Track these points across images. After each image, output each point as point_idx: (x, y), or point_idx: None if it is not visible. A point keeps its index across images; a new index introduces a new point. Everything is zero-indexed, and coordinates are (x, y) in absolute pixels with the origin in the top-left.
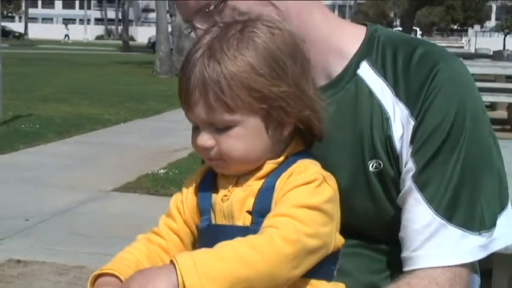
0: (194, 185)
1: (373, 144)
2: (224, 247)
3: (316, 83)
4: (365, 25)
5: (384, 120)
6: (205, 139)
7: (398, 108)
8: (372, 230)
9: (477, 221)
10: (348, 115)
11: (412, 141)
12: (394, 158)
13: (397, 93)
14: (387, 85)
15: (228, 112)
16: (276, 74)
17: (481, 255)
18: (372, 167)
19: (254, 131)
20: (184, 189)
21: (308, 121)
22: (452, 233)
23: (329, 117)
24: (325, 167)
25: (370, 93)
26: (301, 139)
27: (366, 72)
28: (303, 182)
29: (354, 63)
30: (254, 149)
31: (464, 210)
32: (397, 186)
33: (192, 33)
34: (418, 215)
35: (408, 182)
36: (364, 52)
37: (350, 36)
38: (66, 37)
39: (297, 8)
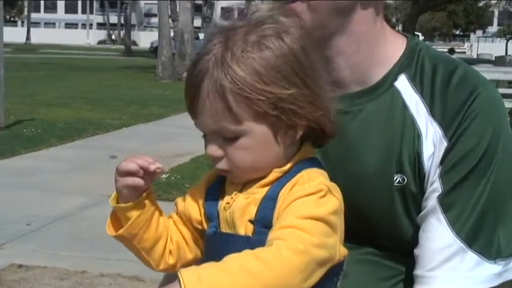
0: (200, 192)
1: (401, 158)
2: (230, 260)
3: (350, 88)
4: (404, 36)
5: (416, 136)
6: (214, 149)
7: (432, 127)
8: (385, 240)
9: (494, 249)
10: (379, 124)
11: (442, 162)
12: (420, 175)
13: (432, 112)
14: (423, 102)
15: (234, 122)
16: (283, 78)
17: (495, 283)
18: (396, 181)
19: (261, 140)
20: (187, 197)
21: (319, 122)
22: (470, 258)
23: (358, 122)
24: (348, 172)
25: (404, 107)
26: (310, 145)
27: (403, 85)
28: (306, 192)
29: (393, 75)
30: (261, 159)
31: (485, 237)
32: (417, 203)
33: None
34: (438, 236)
35: (432, 202)
36: (404, 65)
37: (391, 46)
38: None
39: (364, 14)
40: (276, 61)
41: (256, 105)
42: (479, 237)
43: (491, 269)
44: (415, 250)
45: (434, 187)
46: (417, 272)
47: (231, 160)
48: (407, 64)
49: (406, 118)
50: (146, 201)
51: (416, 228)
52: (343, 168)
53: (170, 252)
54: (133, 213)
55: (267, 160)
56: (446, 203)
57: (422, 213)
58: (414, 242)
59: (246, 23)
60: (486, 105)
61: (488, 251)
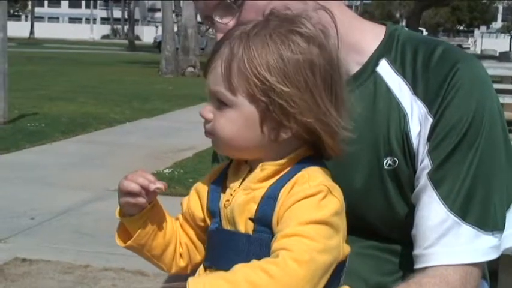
0: (202, 189)
1: (389, 141)
2: (237, 271)
3: None
4: (384, 25)
5: (402, 117)
6: (207, 110)
7: (416, 106)
8: (385, 229)
9: (490, 221)
10: (365, 112)
11: (429, 139)
12: (410, 155)
13: (415, 91)
14: (406, 83)
15: (230, 91)
16: (286, 78)
17: (493, 255)
18: (386, 164)
19: (247, 120)
20: (190, 195)
21: (315, 132)
22: (466, 231)
23: None
24: (340, 166)
25: (388, 90)
26: (312, 147)
27: (385, 69)
28: (305, 195)
29: (373, 61)
30: (241, 137)
31: (478, 209)
32: (412, 184)
33: (210, 30)
34: (432, 213)
35: (423, 179)
36: (384, 50)
37: (369, 35)
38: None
39: (313, 5)
40: (288, 61)
41: (249, 86)
42: (473, 210)
43: (489, 241)
44: (412, 231)
45: (424, 164)
46: (415, 252)
47: (215, 125)
48: (388, 49)
49: (391, 101)
50: (151, 212)
51: (413, 212)
52: (335, 161)
53: (181, 255)
54: (139, 225)
55: (245, 143)
56: (436, 179)
57: (414, 192)
58: (412, 227)
59: (281, 18)
60: (467, 79)
61: (484, 222)
